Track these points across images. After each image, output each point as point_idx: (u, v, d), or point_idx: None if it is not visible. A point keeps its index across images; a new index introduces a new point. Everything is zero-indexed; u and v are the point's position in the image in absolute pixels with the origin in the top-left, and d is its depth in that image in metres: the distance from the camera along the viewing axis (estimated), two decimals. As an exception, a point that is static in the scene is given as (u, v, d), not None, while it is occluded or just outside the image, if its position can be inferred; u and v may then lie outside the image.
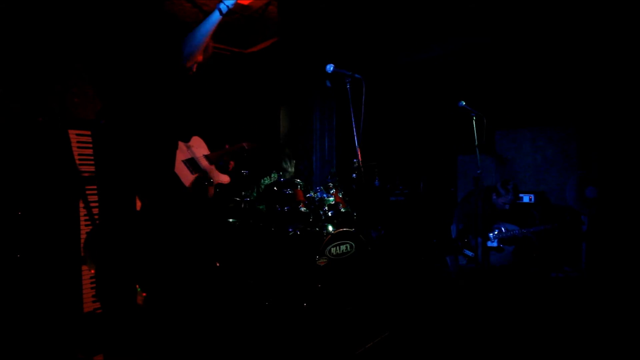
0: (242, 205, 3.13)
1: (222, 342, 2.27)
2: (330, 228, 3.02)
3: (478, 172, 3.21)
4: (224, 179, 2.81)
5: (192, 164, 2.51)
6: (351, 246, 2.90)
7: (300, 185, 3.22)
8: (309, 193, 3.25)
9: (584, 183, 3.83)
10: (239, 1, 1.83)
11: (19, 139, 2.15)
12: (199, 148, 2.67)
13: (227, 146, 2.99)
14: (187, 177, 2.41)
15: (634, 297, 3.21)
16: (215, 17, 1.84)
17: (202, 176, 2.50)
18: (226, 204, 3.17)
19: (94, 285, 2.34)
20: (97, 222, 2.31)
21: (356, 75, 2.58)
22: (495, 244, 3.71)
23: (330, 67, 2.55)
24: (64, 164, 2.23)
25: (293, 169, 3.70)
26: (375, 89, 3.42)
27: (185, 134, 2.61)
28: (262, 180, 3.44)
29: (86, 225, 2.32)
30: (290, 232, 2.92)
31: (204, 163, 2.60)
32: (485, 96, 4.72)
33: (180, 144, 2.50)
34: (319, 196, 3.26)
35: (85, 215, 2.32)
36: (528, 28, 4.27)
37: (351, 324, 2.55)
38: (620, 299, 3.22)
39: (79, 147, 2.28)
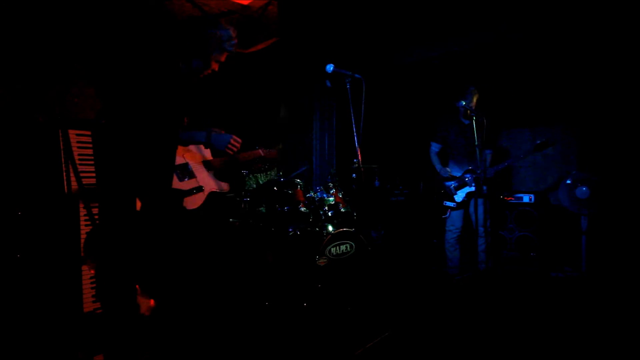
0: (242, 205, 3.13)
1: (223, 342, 2.27)
2: (330, 228, 3.01)
3: (478, 172, 3.21)
4: (224, 186, 2.66)
5: (182, 169, 2.40)
6: (351, 246, 2.90)
7: (300, 185, 3.22)
8: (309, 193, 3.25)
9: (575, 183, 3.84)
10: (239, 1, 1.83)
11: (19, 138, 2.15)
12: (197, 153, 2.55)
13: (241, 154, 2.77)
14: (175, 184, 2.30)
15: (634, 297, 3.21)
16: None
17: (192, 184, 2.39)
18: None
19: (94, 285, 2.34)
20: (97, 222, 2.31)
21: (356, 75, 2.59)
22: (461, 199, 3.65)
23: (330, 67, 2.55)
24: (64, 164, 2.23)
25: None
26: (375, 89, 3.42)
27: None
28: (259, 177, 3.43)
29: (86, 226, 2.32)
30: (290, 232, 2.92)
31: (199, 169, 2.50)
32: (486, 96, 4.72)
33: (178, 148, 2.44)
34: (319, 196, 3.26)
35: (85, 215, 2.32)
36: (528, 28, 4.28)
37: (351, 324, 2.55)
38: (621, 299, 3.22)
39: (79, 147, 2.28)
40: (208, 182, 2.52)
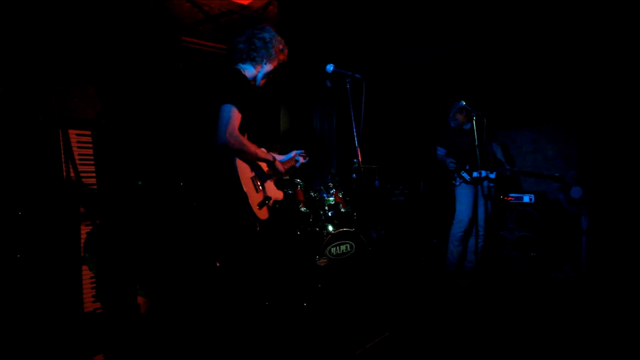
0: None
1: (223, 342, 2.27)
2: (330, 228, 3.01)
3: (477, 172, 3.21)
4: (280, 194, 2.56)
5: (259, 178, 2.26)
6: (351, 246, 2.90)
7: (300, 185, 3.22)
8: (309, 193, 3.25)
9: (570, 183, 3.86)
10: (239, 1, 1.84)
11: (19, 138, 2.15)
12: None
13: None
14: (253, 196, 2.15)
15: (634, 297, 3.21)
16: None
17: (265, 194, 2.30)
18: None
19: (94, 285, 2.34)
20: (97, 222, 2.31)
21: (356, 75, 2.58)
22: (475, 175, 3.77)
23: (330, 67, 2.55)
24: (64, 164, 2.23)
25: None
26: (375, 89, 3.42)
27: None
28: None
29: (86, 225, 2.32)
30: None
31: (267, 179, 2.40)
32: (486, 96, 4.72)
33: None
34: (319, 196, 3.26)
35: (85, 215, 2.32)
36: (529, 28, 4.28)
37: (351, 324, 2.55)
38: (621, 299, 3.22)
39: (79, 147, 2.28)
40: (272, 190, 2.43)
